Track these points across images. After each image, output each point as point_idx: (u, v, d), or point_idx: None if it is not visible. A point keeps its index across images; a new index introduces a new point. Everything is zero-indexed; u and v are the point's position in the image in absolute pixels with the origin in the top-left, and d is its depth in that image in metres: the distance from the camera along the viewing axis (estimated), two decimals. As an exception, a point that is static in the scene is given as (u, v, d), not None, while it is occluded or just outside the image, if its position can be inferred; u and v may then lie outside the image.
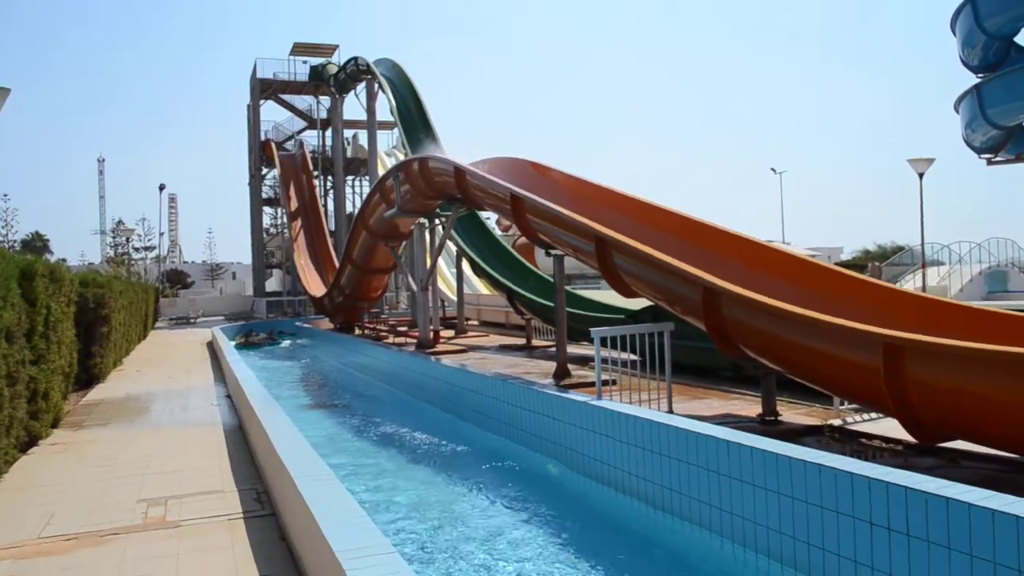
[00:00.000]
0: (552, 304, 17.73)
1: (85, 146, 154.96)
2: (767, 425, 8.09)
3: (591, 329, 8.28)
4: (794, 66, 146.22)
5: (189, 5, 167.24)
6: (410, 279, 20.23)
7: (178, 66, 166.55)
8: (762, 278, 8.39)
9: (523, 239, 39.69)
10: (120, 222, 63.65)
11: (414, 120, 29.51)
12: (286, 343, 29.91)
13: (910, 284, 29.66)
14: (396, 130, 47.37)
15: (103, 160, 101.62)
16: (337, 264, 34.90)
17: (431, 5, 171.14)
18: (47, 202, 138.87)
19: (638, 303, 16.65)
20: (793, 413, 8.65)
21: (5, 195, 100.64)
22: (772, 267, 8.52)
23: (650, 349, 8.72)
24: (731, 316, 7.66)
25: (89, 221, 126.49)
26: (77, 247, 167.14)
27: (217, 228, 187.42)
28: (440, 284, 28.40)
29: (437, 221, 18.56)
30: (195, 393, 14.07)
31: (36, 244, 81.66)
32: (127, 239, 51.37)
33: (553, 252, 11.84)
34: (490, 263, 20.27)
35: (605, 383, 11.68)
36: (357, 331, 23.96)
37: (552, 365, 14.13)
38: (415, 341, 18.45)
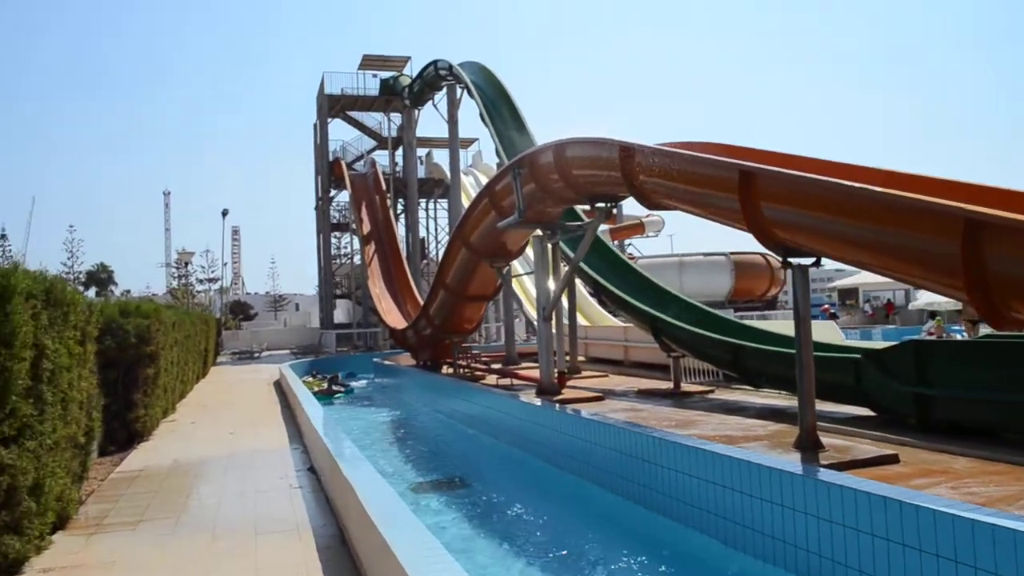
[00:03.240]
0: (716, 336, 13.78)
1: (153, 178, 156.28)
2: None
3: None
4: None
5: (249, 25, 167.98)
6: (526, 308, 16.40)
7: (240, 89, 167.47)
8: None
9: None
10: (183, 251, 61.66)
11: (507, 125, 25.83)
12: (362, 382, 26.18)
13: None
14: (473, 148, 44.26)
15: (169, 193, 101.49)
16: (416, 292, 31.34)
17: (505, 16, 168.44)
18: (115, 235, 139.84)
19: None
20: None
21: (71, 226, 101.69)
22: None
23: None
24: None
25: (155, 255, 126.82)
26: (143, 280, 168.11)
27: (279, 258, 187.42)
28: (529, 309, 24.22)
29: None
30: (265, 462, 10.31)
31: (101, 275, 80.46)
32: (186, 264, 48.84)
33: (797, 261, 7.80)
34: (623, 289, 16.18)
35: (883, 460, 7.64)
36: (446, 368, 20.17)
37: (736, 420, 10.06)
38: (526, 383, 14.67)
